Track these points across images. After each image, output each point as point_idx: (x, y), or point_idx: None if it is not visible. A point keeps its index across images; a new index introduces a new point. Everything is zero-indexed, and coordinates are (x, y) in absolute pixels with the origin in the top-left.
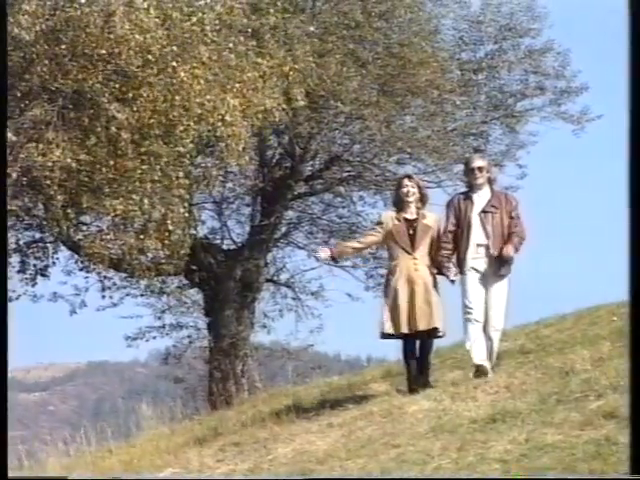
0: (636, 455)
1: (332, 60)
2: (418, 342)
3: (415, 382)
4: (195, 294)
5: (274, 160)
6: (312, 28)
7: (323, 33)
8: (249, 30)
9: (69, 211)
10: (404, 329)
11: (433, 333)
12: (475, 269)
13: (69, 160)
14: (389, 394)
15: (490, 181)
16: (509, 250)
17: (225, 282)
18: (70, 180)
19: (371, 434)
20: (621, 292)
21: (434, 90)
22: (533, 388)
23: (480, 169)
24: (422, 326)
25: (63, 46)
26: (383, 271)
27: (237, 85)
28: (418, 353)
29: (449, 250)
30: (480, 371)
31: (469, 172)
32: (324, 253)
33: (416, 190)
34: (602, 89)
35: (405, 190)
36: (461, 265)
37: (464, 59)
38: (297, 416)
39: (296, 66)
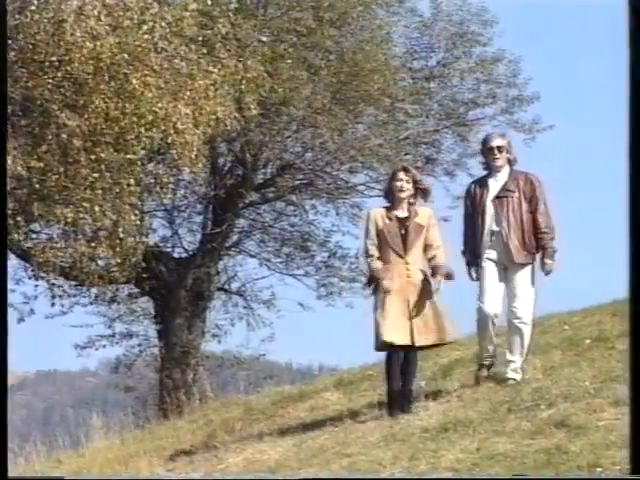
0: (636, 455)
1: (284, 65)
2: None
3: (395, 395)
4: (146, 302)
5: (225, 168)
6: (264, 38)
7: (275, 40)
8: (200, 39)
9: (19, 219)
10: (389, 341)
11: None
12: (491, 259)
13: (19, 168)
14: (341, 403)
15: (510, 162)
16: (549, 266)
17: (176, 290)
18: (20, 188)
19: (323, 443)
20: (572, 301)
21: (386, 98)
22: (484, 397)
23: (500, 149)
24: (419, 342)
25: (12, 53)
26: (335, 280)
27: (188, 93)
28: (402, 365)
29: (467, 243)
30: (477, 375)
31: (487, 152)
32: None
33: (410, 185)
34: (553, 98)
35: (398, 184)
36: (478, 256)
37: (416, 67)
38: (248, 425)
39: (248, 75)
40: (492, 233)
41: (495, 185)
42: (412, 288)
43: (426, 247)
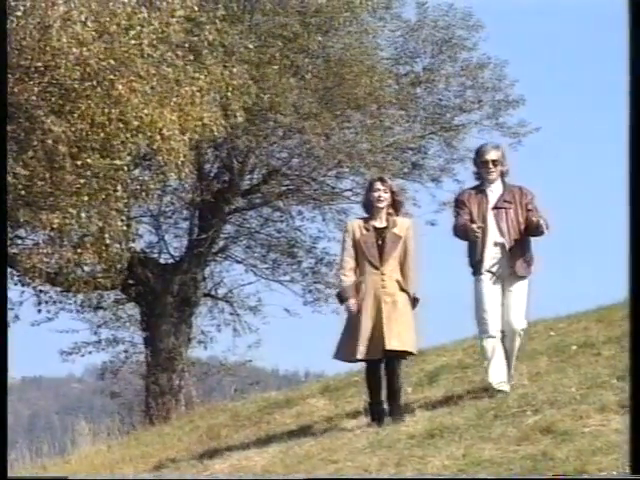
0: (636, 455)
1: (270, 71)
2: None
3: (378, 409)
4: (132, 308)
5: (212, 174)
6: (250, 45)
7: (261, 46)
8: (187, 45)
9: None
10: (364, 355)
11: (401, 354)
12: (491, 272)
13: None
14: (327, 409)
15: (503, 175)
16: (538, 221)
17: (162, 296)
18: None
19: (309, 450)
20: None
21: (373, 103)
22: (471, 403)
23: (494, 162)
24: (392, 346)
25: None
26: (321, 286)
27: (175, 99)
28: (384, 377)
29: (464, 221)
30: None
31: (482, 165)
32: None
33: (388, 195)
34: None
35: (376, 194)
36: (477, 267)
37: (402, 72)
38: (234, 432)
39: (234, 81)
40: (495, 244)
41: (492, 196)
42: (387, 298)
43: (400, 262)
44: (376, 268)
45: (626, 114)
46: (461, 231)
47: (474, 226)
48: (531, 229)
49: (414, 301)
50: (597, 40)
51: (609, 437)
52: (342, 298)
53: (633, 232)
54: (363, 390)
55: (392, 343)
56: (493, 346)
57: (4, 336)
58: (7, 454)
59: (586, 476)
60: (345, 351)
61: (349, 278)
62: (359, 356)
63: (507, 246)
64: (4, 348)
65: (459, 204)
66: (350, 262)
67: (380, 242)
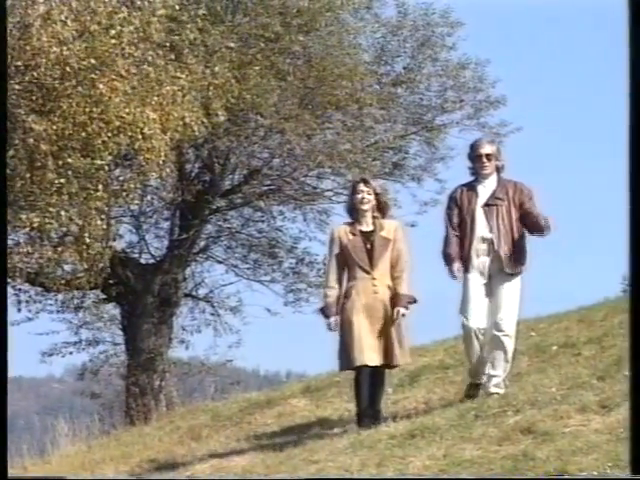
0: (636, 455)
1: (252, 72)
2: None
3: (365, 414)
4: (112, 309)
5: (193, 174)
6: (232, 44)
7: (243, 46)
8: (168, 44)
9: None
10: (360, 362)
11: (392, 366)
12: (479, 271)
13: None
14: (308, 409)
15: (498, 169)
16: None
17: (143, 297)
18: None
19: (290, 450)
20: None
21: (354, 104)
22: (451, 403)
23: (488, 156)
24: (383, 362)
25: None
26: (302, 286)
27: (156, 98)
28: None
29: (454, 249)
30: (472, 394)
31: (476, 159)
32: (333, 323)
33: (372, 197)
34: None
35: (359, 196)
36: (465, 265)
37: (382, 72)
38: (215, 432)
39: (215, 81)
40: (483, 240)
41: (484, 192)
42: (379, 305)
43: (391, 265)
44: (367, 273)
45: (626, 114)
46: (445, 260)
47: (455, 269)
48: (532, 228)
49: (411, 300)
50: (582, 38)
51: (589, 437)
52: (325, 314)
53: (633, 232)
54: (344, 390)
55: (385, 360)
56: (475, 344)
57: (4, 336)
58: (7, 454)
59: (588, 476)
60: (347, 360)
61: (333, 292)
62: (357, 363)
63: (495, 243)
64: (4, 348)
65: (450, 202)
66: (335, 273)
67: (369, 246)
